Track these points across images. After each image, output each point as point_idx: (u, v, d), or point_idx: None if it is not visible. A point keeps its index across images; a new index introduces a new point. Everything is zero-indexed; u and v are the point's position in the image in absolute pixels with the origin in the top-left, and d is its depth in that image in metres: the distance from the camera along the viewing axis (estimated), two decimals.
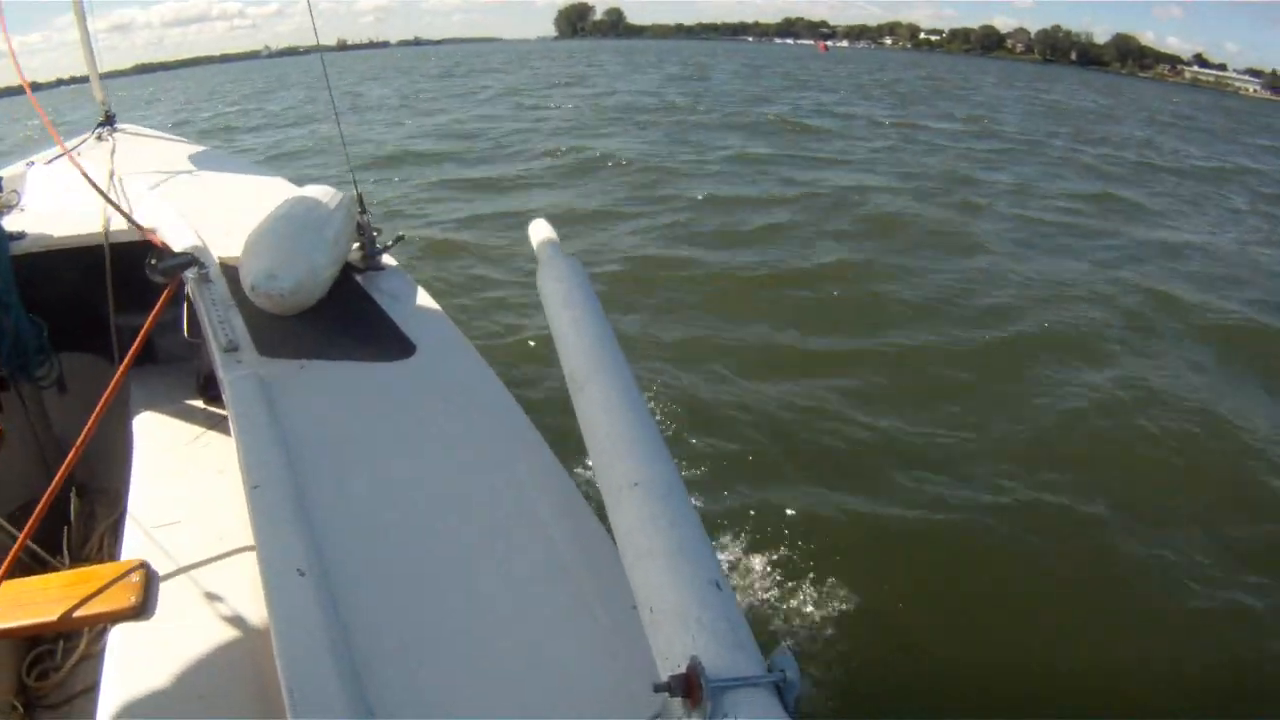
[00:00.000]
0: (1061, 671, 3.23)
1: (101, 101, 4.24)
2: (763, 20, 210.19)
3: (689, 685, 0.70)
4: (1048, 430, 5.10)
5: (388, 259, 2.43)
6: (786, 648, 0.74)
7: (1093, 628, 3.49)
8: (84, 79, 4.32)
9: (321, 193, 2.36)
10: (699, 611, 0.77)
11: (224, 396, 1.69)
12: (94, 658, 1.95)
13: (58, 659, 2.02)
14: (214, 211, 2.66)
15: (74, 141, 3.93)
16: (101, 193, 2.46)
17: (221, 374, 1.73)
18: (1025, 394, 5.56)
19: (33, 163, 3.43)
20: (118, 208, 2.43)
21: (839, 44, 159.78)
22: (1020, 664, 3.27)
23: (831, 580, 3.57)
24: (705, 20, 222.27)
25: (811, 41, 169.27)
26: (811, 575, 3.61)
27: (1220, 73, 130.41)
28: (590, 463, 1.11)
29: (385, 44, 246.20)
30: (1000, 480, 4.50)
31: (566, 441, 1.55)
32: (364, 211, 2.42)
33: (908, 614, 3.48)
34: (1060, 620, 3.53)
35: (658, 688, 0.73)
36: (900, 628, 3.40)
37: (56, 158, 3.54)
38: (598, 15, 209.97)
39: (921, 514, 4.19)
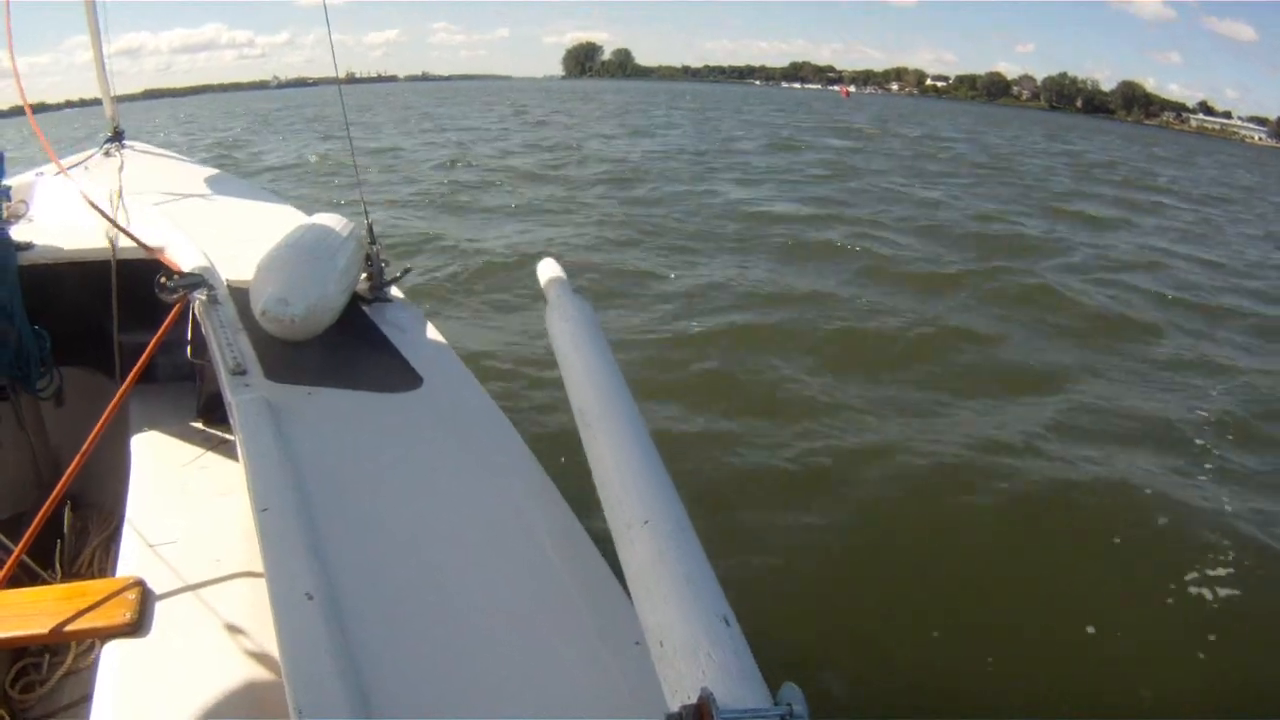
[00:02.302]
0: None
1: (111, 118, 4.29)
2: (769, 64, 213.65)
3: (700, 716, 0.71)
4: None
5: (395, 291, 2.46)
6: (793, 682, 0.75)
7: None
8: (92, 102, 4.38)
9: (334, 221, 2.38)
10: (709, 646, 0.78)
11: (231, 419, 1.69)
12: (80, 672, 1.94)
13: (44, 671, 2.00)
14: (222, 234, 2.68)
15: (81, 156, 3.98)
16: (106, 215, 2.47)
17: (229, 396, 1.73)
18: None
19: (42, 173, 3.46)
20: (121, 228, 2.44)
21: (839, 89, 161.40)
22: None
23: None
24: (711, 63, 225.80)
25: (819, 86, 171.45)
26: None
27: (1226, 120, 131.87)
28: (597, 499, 1.11)
29: (394, 78, 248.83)
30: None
31: (570, 477, 1.56)
32: (374, 242, 2.45)
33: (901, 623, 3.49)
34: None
35: (669, 718, 0.73)
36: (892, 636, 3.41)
37: (67, 169, 3.56)
38: (605, 55, 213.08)
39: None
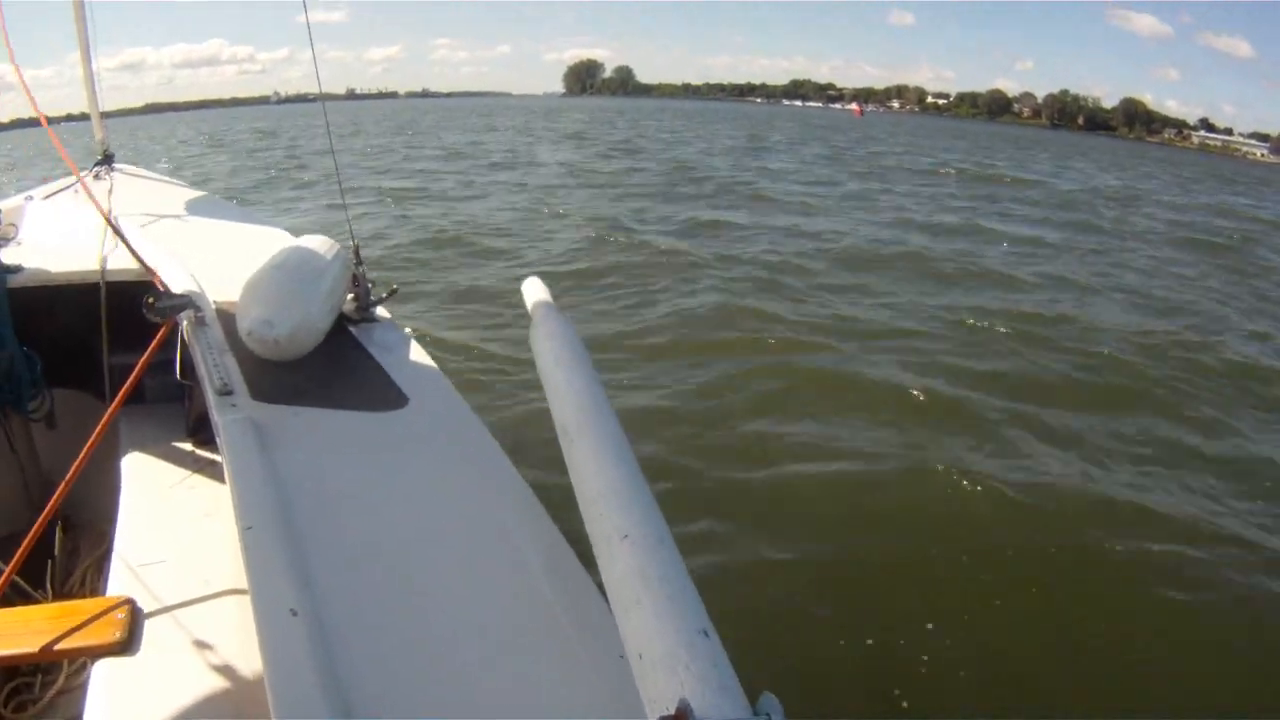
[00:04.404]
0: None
1: (100, 140, 4.27)
2: (770, 81, 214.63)
3: None
4: None
5: (382, 311, 2.48)
6: (771, 693, 0.75)
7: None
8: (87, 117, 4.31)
9: (319, 243, 2.41)
10: (688, 658, 0.79)
11: (217, 438, 1.71)
12: (72, 691, 1.94)
13: (35, 691, 2.00)
14: (210, 256, 2.70)
15: (70, 179, 3.98)
16: (112, 225, 2.49)
17: (215, 416, 1.75)
18: None
19: (31, 196, 3.48)
20: (126, 242, 2.46)
21: (848, 106, 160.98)
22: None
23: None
24: (712, 80, 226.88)
25: (820, 104, 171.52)
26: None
27: (1227, 137, 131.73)
28: (580, 515, 1.12)
29: (394, 94, 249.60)
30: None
31: (554, 494, 1.58)
32: (360, 264, 2.48)
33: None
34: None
35: None
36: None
37: (57, 192, 3.59)
38: (606, 73, 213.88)
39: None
